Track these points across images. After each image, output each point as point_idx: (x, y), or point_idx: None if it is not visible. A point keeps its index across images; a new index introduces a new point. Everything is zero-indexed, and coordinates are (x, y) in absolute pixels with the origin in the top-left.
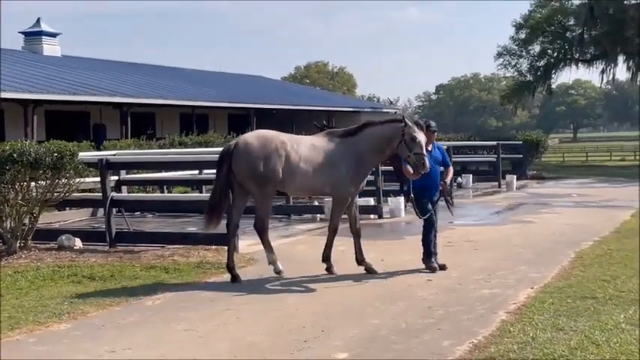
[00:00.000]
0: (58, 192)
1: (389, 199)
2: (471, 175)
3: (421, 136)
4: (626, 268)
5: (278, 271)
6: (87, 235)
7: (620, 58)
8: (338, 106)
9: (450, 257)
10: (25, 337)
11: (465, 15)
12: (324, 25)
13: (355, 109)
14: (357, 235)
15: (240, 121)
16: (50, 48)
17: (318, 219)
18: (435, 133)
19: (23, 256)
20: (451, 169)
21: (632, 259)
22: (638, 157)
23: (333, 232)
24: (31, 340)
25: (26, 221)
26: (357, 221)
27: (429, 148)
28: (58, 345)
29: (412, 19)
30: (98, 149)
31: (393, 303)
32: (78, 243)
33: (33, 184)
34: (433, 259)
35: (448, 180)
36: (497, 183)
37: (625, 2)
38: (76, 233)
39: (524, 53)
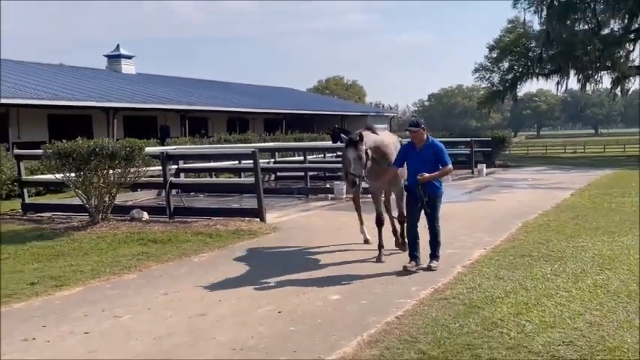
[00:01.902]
0: (130, 177)
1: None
2: None
3: (345, 152)
4: (559, 234)
5: (365, 240)
6: (152, 210)
7: (572, 72)
8: (350, 111)
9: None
10: (102, 284)
11: (451, 38)
12: (340, 47)
13: (363, 114)
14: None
15: (274, 123)
16: (127, 67)
17: (330, 198)
18: (420, 131)
19: (104, 225)
20: (448, 168)
21: (564, 226)
22: (585, 149)
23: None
24: (107, 285)
25: (106, 199)
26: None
27: (417, 149)
28: (126, 289)
29: (406, 43)
30: (162, 145)
31: (379, 261)
32: (145, 216)
33: (111, 171)
34: (411, 263)
35: (428, 175)
36: (470, 170)
37: (575, 29)
38: (144, 208)
39: (495, 69)
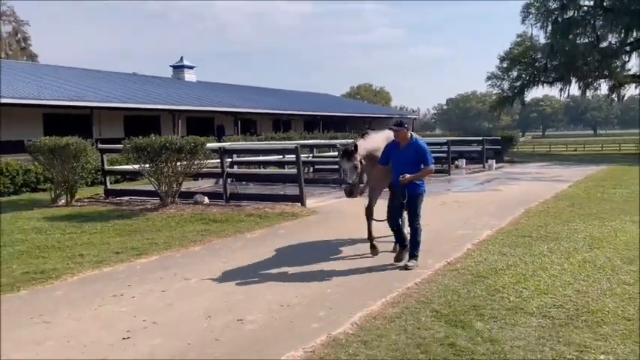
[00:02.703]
0: (194, 168)
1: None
2: (464, 160)
3: (340, 162)
4: (556, 219)
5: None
6: (211, 195)
7: (573, 80)
8: (377, 114)
9: (441, 211)
10: (173, 254)
11: (467, 50)
12: (372, 58)
13: (388, 116)
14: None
15: (312, 124)
16: (189, 76)
17: None
18: (403, 130)
19: (172, 207)
20: (429, 169)
21: (561, 212)
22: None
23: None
24: (177, 255)
25: (174, 186)
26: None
27: (400, 147)
28: (193, 258)
29: (428, 54)
30: (219, 142)
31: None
32: (206, 200)
33: (178, 163)
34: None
35: (409, 177)
36: (482, 165)
37: (577, 42)
38: (204, 194)
39: (505, 77)
